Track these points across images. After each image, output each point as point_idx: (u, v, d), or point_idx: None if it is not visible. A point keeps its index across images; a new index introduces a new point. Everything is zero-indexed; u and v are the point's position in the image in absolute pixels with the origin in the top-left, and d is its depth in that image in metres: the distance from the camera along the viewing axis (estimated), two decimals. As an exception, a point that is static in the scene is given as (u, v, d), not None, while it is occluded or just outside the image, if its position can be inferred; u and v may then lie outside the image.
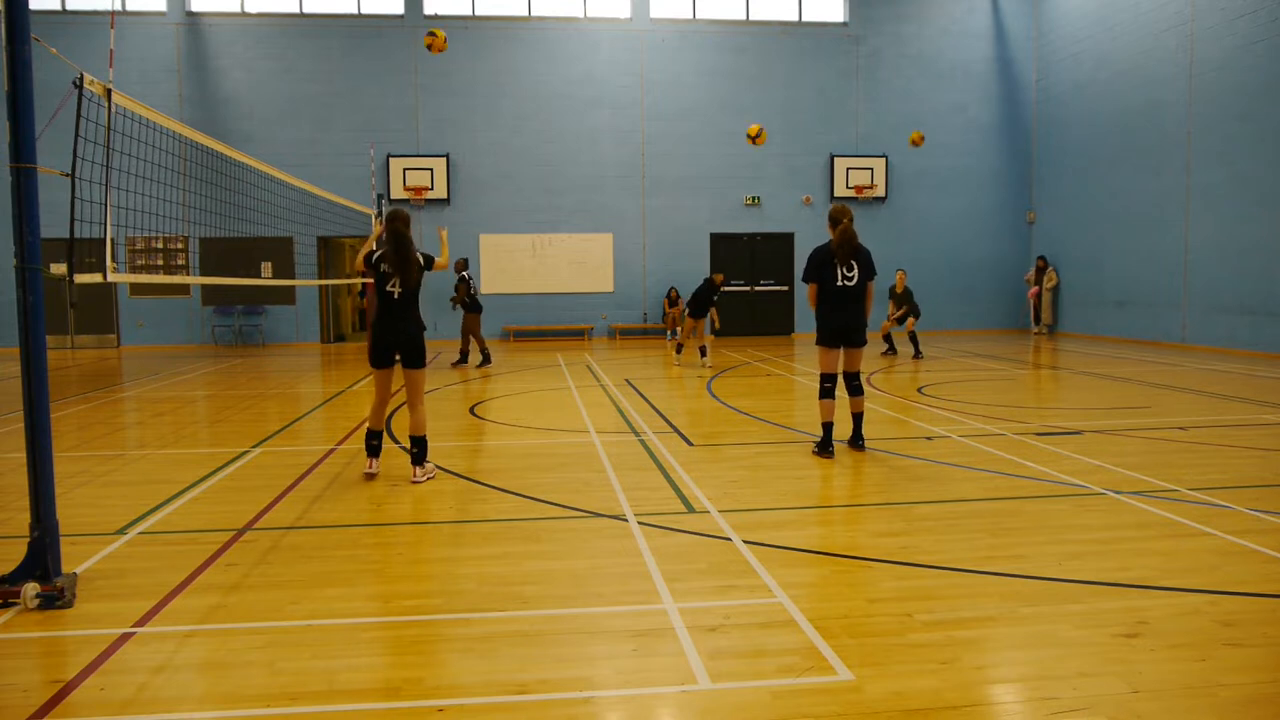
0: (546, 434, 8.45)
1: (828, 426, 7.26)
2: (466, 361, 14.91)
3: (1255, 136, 15.00)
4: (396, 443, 7.96)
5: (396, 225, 6.49)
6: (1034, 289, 20.64)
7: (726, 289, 20.96)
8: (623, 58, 20.55)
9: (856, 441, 7.38)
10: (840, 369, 7.36)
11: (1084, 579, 4.32)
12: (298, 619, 3.91)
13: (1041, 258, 20.77)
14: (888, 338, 16.07)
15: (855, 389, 7.39)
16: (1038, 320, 20.74)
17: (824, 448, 7.22)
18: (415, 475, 6.47)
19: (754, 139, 14.40)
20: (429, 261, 6.79)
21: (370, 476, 6.59)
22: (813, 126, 21.08)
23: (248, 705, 3.14)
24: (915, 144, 16.01)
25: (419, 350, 6.51)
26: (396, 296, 6.51)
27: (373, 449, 6.70)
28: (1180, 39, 16.63)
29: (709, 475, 6.61)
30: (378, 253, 6.58)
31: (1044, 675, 3.32)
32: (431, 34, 11.28)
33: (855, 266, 7.13)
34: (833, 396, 7.28)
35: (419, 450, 6.50)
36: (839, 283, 7.14)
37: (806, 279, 7.31)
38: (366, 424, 6.86)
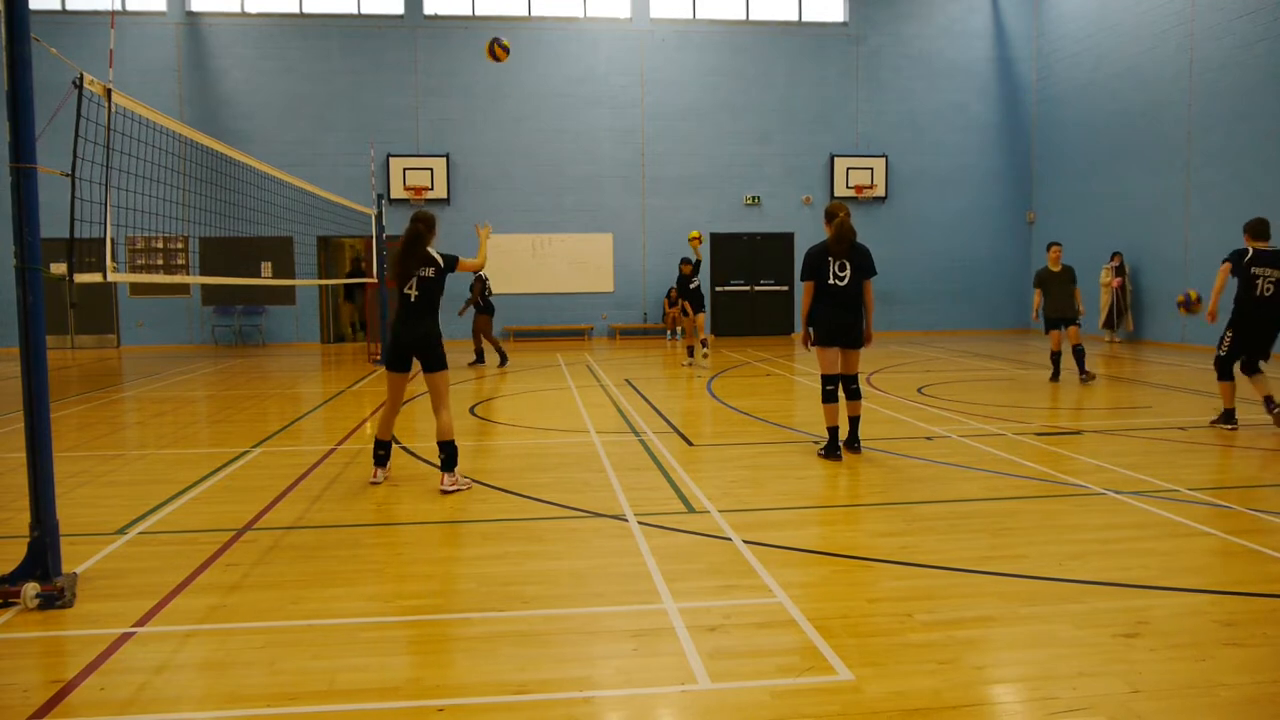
0: (546, 434, 8.45)
1: (833, 431, 7.10)
2: (484, 361, 15.01)
3: (1255, 136, 14.99)
4: (399, 444, 7.95)
5: (417, 226, 6.29)
6: (1117, 280, 17.66)
7: (726, 289, 20.98)
8: (623, 57, 20.55)
9: (853, 444, 7.25)
10: (839, 370, 7.19)
11: (1084, 579, 4.32)
12: (298, 619, 3.91)
13: (1118, 254, 17.80)
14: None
15: (853, 393, 7.21)
16: (1116, 322, 17.84)
17: (830, 452, 7.09)
18: (444, 483, 6.17)
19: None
20: (450, 262, 6.42)
21: (376, 485, 6.38)
22: (813, 126, 21.08)
23: (248, 705, 3.14)
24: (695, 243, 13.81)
25: (435, 354, 6.22)
26: (414, 299, 6.28)
27: (379, 459, 6.44)
28: (1180, 39, 16.63)
29: (709, 475, 6.61)
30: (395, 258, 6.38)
31: (1044, 675, 3.32)
32: (498, 48, 10.74)
33: (849, 266, 6.98)
34: (836, 400, 7.12)
35: (447, 456, 6.20)
36: (830, 281, 6.99)
37: (803, 277, 7.19)
38: (375, 434, 6.58)
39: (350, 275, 21.23)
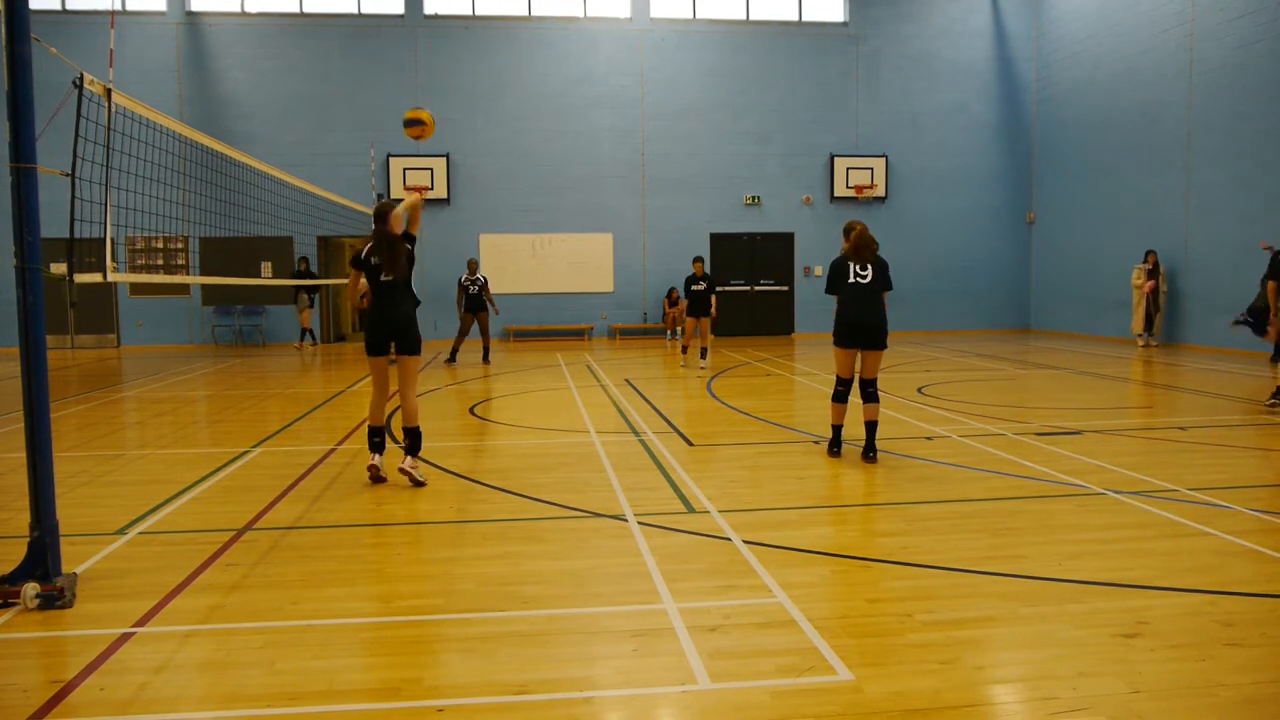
0: (546, 434, 8.45)
1: (837, 429, 7.19)
2: (488, 359, 15.32)
3: (1255, 136, 14.99)
4: (397, 443, 7.95)
5: (383, 227, 6.45)
6: (1149, 283, 16.68)
7: (726, 289, 20.95)
8: (623, 57, 20.55)
9: (868, 453, 7.02)
10: (856, 374, 7.12)
11: (1084, 579, 4.32)
12: (298, 619, 3.91)
13: (1153, 252, 16.83)
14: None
15: (870, 395, 7.06)
16: (1149, 326, 16.81)
17: (832, 447, 7.21)
18: (404, 464, 6.34)
19: None
20: (409, 239, 6.57)
21: (374, 470, 6.40)
22: (813, 126, 21.07)
23: (248, 705, 3.14)
24: None
25: (411, 337, 6.45)
26: (391, 281, 6.47)
27: (375, 445, 6.48)
28: (1180, 39, 16.62)
29: (709, 475, 6.61)
30: (365, 249, 6.55)
31: (1044, 675, 3.32)
32: (419, 124, 7.73)
33: (870, 268, 7.06)
34: (845, 401, 7.16)
35: (411, 442, 6.43)
36: (851, 279, 7.06)
37: (827, 290, 7.27)
38: (368, 421, 6.62)
39: (295, 276, 18.88)
